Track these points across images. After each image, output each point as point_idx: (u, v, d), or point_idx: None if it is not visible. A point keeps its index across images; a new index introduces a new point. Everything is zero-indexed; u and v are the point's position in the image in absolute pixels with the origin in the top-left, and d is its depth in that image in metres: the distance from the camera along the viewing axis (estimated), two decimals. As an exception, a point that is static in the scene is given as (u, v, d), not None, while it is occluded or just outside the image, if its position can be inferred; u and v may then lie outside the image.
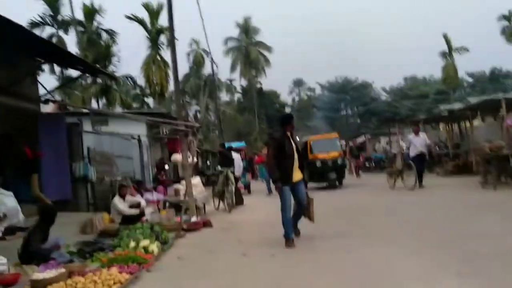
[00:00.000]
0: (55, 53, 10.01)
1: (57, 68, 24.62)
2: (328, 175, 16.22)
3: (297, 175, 6.74)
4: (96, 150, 11.34)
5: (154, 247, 6.62)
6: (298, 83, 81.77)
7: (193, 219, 9.34)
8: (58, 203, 8.20)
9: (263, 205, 13.15)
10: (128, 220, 9.00)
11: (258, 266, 5.69)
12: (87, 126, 11.76)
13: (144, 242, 6.67)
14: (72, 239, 7.32)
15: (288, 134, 6.75)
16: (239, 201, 12.75)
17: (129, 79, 26.93)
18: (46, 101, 9.90)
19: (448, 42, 35.58)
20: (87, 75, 16.04)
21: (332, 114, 65.88)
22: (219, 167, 12.44)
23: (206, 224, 9.14)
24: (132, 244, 6.68)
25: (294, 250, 6.38)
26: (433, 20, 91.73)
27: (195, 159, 12.48)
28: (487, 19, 62.16)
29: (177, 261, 6.35)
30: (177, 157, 13.86)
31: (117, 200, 9.35)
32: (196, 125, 11.42)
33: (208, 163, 28.14)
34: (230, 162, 12.32)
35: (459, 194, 11.25)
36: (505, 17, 38.61)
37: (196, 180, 11.09)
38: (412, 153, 12.80)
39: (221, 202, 12.21)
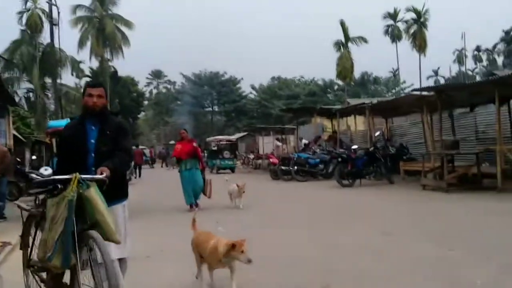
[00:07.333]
0: None
1: None
2: None
3: None
4: None
5: None
6: (157, 74, 73.51)
7: None
8: None
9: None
10: None
11: None
12: None
13: None
14: None
15: None
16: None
17: None
18: None
19: (345, 30, 31.49)
20: None
21: (196, 109, 59.37)
22: (45, 170, 4.16)
23: None
24: None
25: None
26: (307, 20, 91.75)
27: None
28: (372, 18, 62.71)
29: None
30: None
31: None
32: None
33: (35, 157, 18.50)
34: (79, 158, 4.07)
35: None
36: (390, 15, 36.53)
37: None
38: None
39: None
